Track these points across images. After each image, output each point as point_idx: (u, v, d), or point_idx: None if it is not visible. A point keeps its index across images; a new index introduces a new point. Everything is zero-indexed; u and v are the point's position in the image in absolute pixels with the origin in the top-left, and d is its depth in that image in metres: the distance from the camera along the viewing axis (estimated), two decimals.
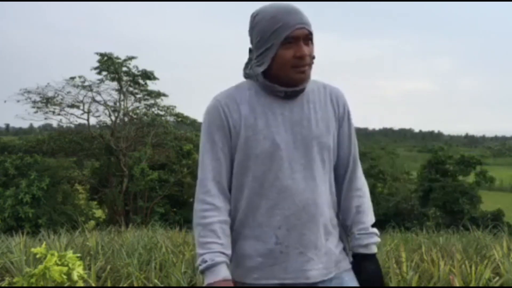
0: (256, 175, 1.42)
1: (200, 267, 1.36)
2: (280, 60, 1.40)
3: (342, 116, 1.51)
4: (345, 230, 1.55)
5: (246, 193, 1.43)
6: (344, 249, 1.53)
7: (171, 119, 22.69)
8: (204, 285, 1.36)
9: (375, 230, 1.52)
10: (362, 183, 1.55)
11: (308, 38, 1.40)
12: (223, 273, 1.35)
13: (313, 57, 1.45)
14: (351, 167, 1.53)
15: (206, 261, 1.35)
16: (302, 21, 1.38)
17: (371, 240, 1.50)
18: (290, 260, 1.41)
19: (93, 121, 21.87)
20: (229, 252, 1.40)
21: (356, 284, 1.48)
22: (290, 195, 1.41)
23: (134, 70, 21.25)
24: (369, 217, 1.53)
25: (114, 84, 21.28)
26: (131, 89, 21.83)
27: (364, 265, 1.49)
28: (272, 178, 1.41)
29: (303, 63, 1.39)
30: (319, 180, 1.44)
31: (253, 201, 1.43)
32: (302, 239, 1.41)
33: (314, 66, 1.45)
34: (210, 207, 1.41)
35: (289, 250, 1.41)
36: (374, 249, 1.51)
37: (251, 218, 1.43)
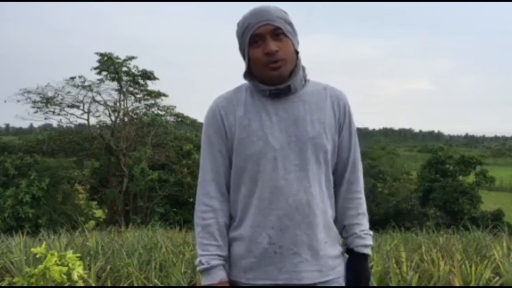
0: (250, 175, 1.43)
1: (198, 268, 1.45)
2: (253, 60, 1.43)
3: (343, 119, 1.51)
4: (341, 230, 1.55)
5: (242, 194, 1.45)
6: (342, 253, 1.53)
7: (171, 119, 22.68)
8: (202, 285, 1.43)
9: (372, 233, 1.56)
10: (361, 187, 1.56)
11: (276, 33, 1.40)
12: (219, 276, 1.42)
13: (296, 52, 1.44)
14: (349, 169, 1.53)
15: (203, 264, 1.43)
16: (265, 18, 1.39)
17: (371, 242, 1.53)
18: (284, 261, 1.41)
19: (93, 121, 21.88)
20: (225, 253, 1.46)
21: None
22: (283, 196, 1.41)
23: (134, 70, 21.26)
24: (367, 221, 1.55)
25: (114, 84, 21.29)
26: (131, 89, 21.83)
27: (362, 264, 1.50)
28: (266, 178, 1.42)
29: (273, 59, 1.40)
30: (314, 181, 1.44)
31: (247, 202, 1.44)
32: (295, 240, 1.41)
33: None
34: (208, 209, 1.46)
35: (283, 250, 1.41)
36: (370, 251, 1.54)
37: (245, 219, 1.45)
